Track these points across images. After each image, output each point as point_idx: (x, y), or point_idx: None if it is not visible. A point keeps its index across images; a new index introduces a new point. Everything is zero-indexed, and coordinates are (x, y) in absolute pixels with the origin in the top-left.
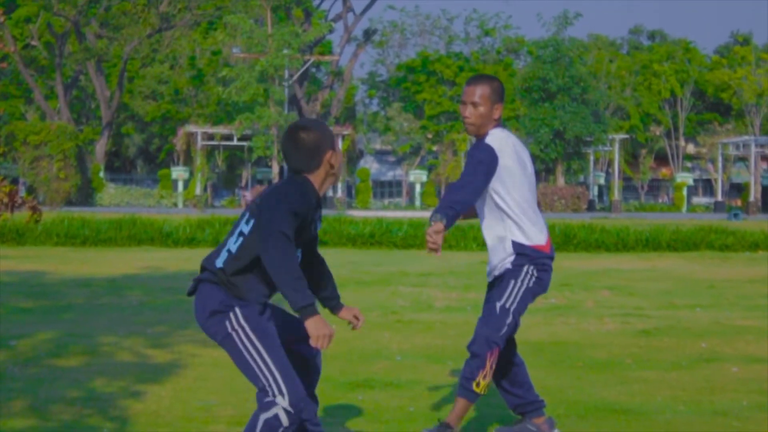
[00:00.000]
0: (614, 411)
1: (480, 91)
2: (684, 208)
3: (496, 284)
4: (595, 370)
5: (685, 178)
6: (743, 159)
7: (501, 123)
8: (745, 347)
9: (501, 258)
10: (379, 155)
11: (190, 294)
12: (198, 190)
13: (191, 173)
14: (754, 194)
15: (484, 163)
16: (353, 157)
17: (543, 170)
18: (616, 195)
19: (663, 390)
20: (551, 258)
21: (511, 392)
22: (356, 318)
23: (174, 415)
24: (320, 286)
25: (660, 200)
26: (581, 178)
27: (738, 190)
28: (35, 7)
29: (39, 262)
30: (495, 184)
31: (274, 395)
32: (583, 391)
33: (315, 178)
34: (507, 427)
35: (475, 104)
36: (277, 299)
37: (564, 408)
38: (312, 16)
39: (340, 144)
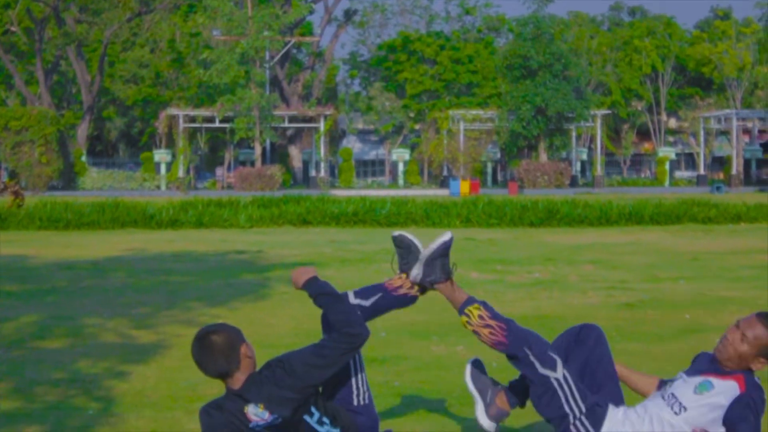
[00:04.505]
0: None
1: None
2: (666, 182)
3: None
4: None
5: (667, 153)
6: (725, 133)
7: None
8: (728, 318)
9: None
10: (362, 135)
11: None
12: (181, 173)
13: (173, 156)
14: (736, 167)
15: None
16: (336, 137)
17: (525, 147)
18: (599, 170)
19: (648, 362)
20: None
21: None
22: None
23: (159, 395)
24: None
25: (642, 175)
26: (564, 154)
27: (720, 163)
28: None
29: (22, 246)
30: None
31: None
32: None
33: (241, 375)
34: None
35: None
36: None
37: None
38: None
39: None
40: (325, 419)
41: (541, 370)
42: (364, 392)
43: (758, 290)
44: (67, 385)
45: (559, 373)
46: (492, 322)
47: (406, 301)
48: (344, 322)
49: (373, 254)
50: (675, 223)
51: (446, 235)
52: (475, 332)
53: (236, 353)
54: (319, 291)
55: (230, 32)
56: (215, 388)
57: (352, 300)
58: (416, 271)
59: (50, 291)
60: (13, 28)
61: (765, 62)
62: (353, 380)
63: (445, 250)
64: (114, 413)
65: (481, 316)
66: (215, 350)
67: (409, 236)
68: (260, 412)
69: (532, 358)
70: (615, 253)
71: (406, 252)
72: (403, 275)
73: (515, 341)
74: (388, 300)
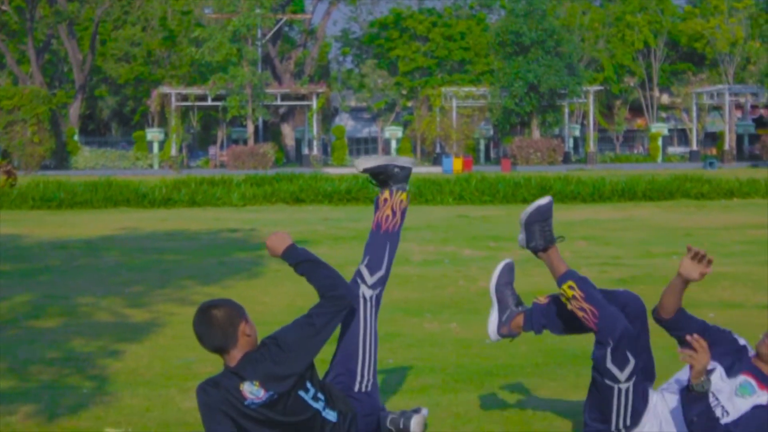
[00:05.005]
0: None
1: None
2: (659, 158)
3: None
4: None
5: (660, 129)
6: (717, 108)
7: None
8: (721, 293)
9: None
10: (354, 112)
11: None
12: (173, 151)
13: (166, 134)
14: (729, 143)
15: None
16: (328, 114)
17: (518, 123)
18: (592, 146)
19: None
20: None
21: None
22: None
23: (153, 373)
24: None
25: (635, 151)
26: (556, 130)
27: (713, 139)
28: None
29: (15, 226)
30: None
31: None
32: (561, 339)
33: (237, 353)
34: None
35: None
36: None
37: (542, 356)
38: None
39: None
40: (320, 395)
41: (609, 365)
42: (368, 380)
43: (751, 265)
44: (61, 364)
45: (623, 382)
46: (585, 305)
47: (404, 215)
48: (328, 286)
49: (366, 232)
50: (668, 198)
51: (543, 199)
52: (571, 310)
53: (234, 330)
54: (299, 259)
55: (222, 10)
56: (209, 367)
57: (368, 279)
58: (521, 236)
59: (44, 270)
60: (4, 7)
61: (757, 37)
62: (359, 366)
63: (540, 215)
64: (108, 392)
65: (575, 297)
66: (214, 324)
67: (373, 163)
68: (255, 390)
69: (608, 348)
70: (608, 230)
71: (377, 178)
72: (386, 191)
73: (604, 329)
74: (396, 239)
